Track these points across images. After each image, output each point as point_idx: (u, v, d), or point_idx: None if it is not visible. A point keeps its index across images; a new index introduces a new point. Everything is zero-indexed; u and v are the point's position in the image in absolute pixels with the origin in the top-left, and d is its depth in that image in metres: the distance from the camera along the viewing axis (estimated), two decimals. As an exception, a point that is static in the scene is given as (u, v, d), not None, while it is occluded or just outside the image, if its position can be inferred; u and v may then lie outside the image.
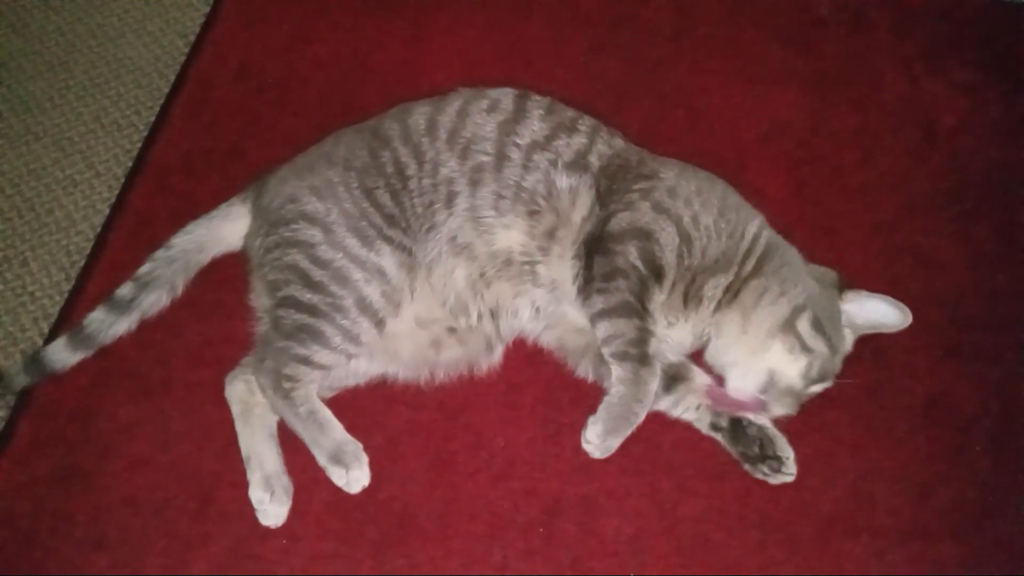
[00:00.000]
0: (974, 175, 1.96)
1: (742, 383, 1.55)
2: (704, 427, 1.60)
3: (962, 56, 2.15)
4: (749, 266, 1.59)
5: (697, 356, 1.66)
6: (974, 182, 1.95)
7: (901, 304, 1.55)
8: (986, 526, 1.55)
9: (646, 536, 1.53)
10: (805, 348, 1.52)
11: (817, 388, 1.56)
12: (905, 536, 1.53)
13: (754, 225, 1.61)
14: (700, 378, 1.61)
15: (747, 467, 1.56)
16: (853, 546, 1.52)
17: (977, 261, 1.84)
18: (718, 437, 1.59)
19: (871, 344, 1.61)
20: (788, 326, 1.53)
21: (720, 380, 1.60)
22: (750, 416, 1.57)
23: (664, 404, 1.61)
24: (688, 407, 1.60)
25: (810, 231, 1.83)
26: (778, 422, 1.58)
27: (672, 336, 1.61)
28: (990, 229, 1.89)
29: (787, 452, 1.55)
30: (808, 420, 1.59)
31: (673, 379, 1.60)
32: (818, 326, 1.53)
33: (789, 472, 1.55)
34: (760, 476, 1.55)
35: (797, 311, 1.54)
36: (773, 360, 1.54)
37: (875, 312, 1.57)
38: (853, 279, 1.64)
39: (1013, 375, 1.70)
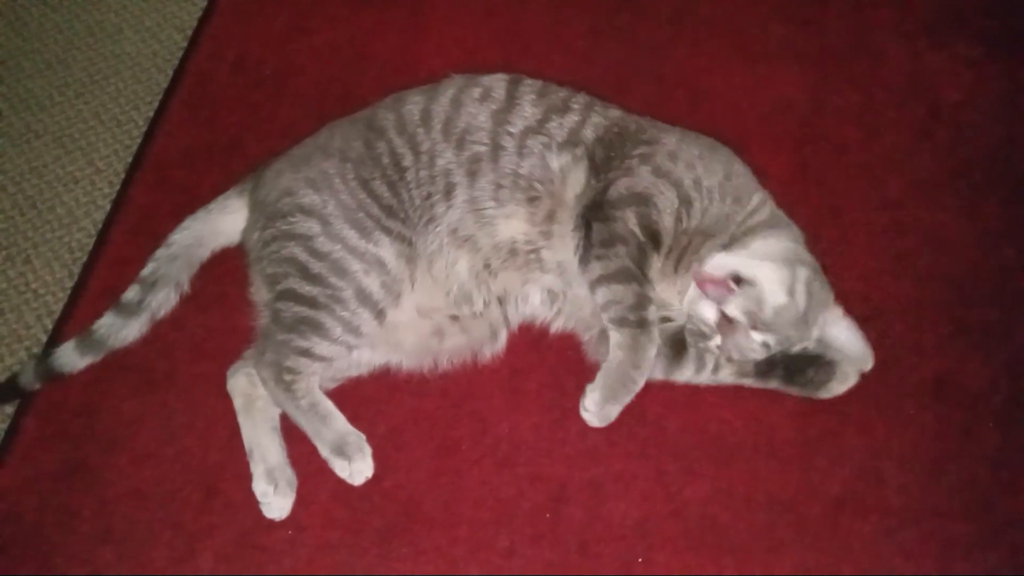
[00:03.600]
0: (980, 150, 1.94)
1: (726, 261, 1.51)
2: (752, 378, 1.57)
3: (965, 30, 2.12)
4: (750, 224, 1.56)
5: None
6: (980, 157, 1.93)
7: (868, 348, 1.54)
8: (997, 504, 1.54)
9: (653, 520, 1.52)
10: (791, 291, 1.49)
11: (759, 338, 1.49)
12: (915, 515, 1.52)
13: (761, 192, 1.60)
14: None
15: (809, 391, 1.55)
16: (862, 526, 1.51)
17: (984, 237, 1.82)
18: (773, 384, 1.56)
19: (878, 323, 1.59)
20: (789, 263, 1.51)
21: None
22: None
23: (688, 371, 1.58)
24: (719, 365, 1.57)
25: (814, 210, 1.81)
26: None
27: (672, 300, 1.59)
28: (997, 204, 1.86)
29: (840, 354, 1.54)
30: (815, 400, 1.58)
31: (680, 343, 1.58)
32: (810, 287, 1.50)
33: (847, 379, 1.54)
34: (824, 390, 1.54)
35: (803, 261, 1.53)
36: (763, 273, 1.49)
37: (843, 337, 1.54)
38: (859, 257, 1.62)
39: (1022, 351, 1.68)
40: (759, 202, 1.59)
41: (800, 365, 1.55)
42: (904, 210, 1.86)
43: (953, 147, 1.95)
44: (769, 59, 2.08)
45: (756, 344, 1.50)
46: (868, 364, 1.55)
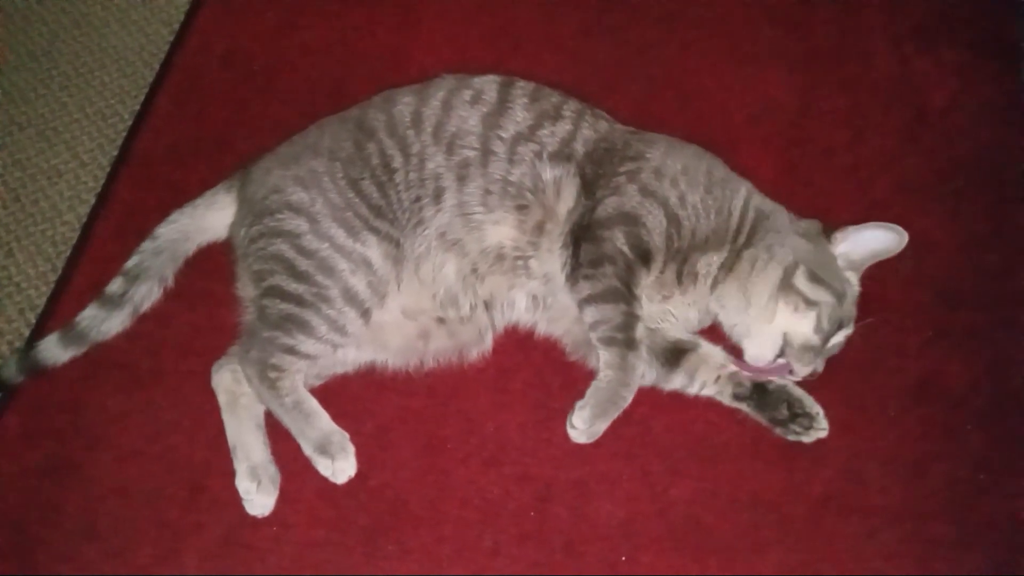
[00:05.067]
0: (965, 155, 1.95)
1: (759, 351, 1.55)
2: (727, 399, 1.60)
3: (952, 35, 2.13)
4: (741, 241, 1.59)
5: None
6: (965, 162, 1.94)
7: (893, 225, 1.55)
8: (978, 504, 1.55)
9: (638, 519, 1.53)
10: (809, 302, 1.52)
11: (839, 338, 1.55)
12: (897, 515, 1.54)
13: (740, 197, 1.60)
14: (708, 349, 1.61)
15: (779, 431, 1.57)
16: (845, 526, 1.52)
17: (968, 240, 1.83)
18: (743, 407, 1.59)
19: (861, 325, 1.60)
20: (785, 286, 1.54)
21: (738, 352, 1.60)
22: (772, 378, 1.58)
23: (678, 382, 1.60)
24: (706, 382, 1.60)
25: (801, 211, 1.80)
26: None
27: (673, 311, 1.62)
28: (981, 208, 1.88)
29: (815, 408, 1.56)
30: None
31: (677, 354, 1.60)
32: (815, 278, 1.53)
33: (821, 427, 1.55)
34: (793, 437, 1.56)
35: (789, 270, 1.55)
36: (782, 322, 1.54)
37: (869, 241, 1.57)
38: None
39: (1004, 354, 1.70)
40: (741, 206, 1.60)
41: (774, 401, 1.57)
42: (890, 213, 1.86)
43: (939, 151, 1.96)
44: (758, 61, 2.09)
45: (839, 340, 1.55)
46: (904, 242, 1.56)
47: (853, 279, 1.59)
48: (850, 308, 1.57)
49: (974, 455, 1.59)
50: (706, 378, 1.60)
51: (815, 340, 1.53)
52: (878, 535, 1.52)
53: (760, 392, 1.58)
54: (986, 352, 1.70)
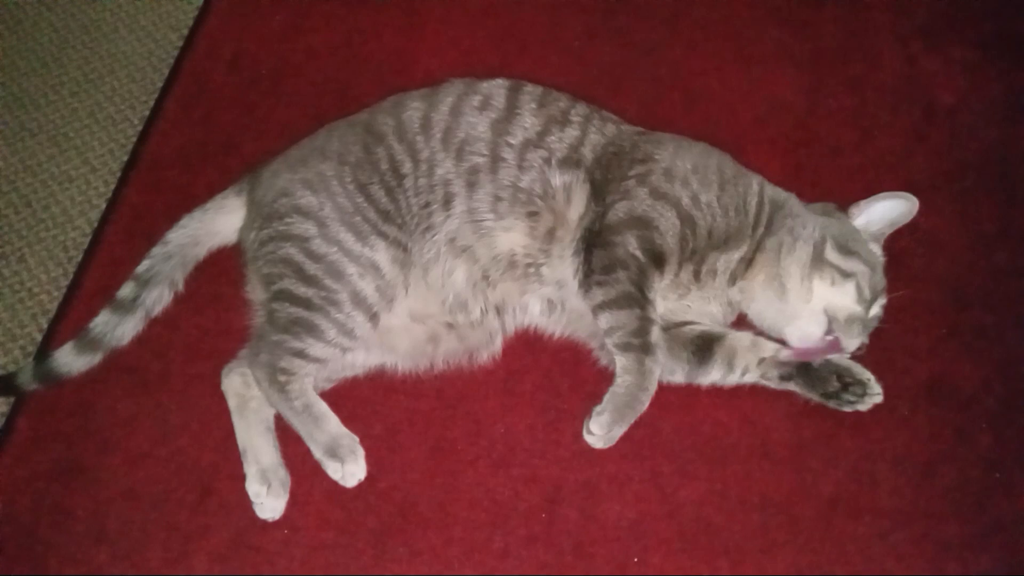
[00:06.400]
0: (974, 154, 1.95)
1: (805, 331, 1.55)
2: (774, 382, 1.59)
3: (960, 34, 2.13)
4: (760, 231, 1.59)
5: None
6: (974, 161, 1.94)
7: (903, 192, 1.60)
8: (989, 505, 1.54)
9: (647, 521, 1.52)
10: (844, 274, 1.53)
11: (876, 309, 1.56)
12: (908, 516, 1.53)
13: (754, 192, 1.60)
14: (737, 334, 1.60)
15: (833, 404, 1.57)
16: (856, 527, 1.52)
17: (977, 240, 1.83)
18: (792, 387, 1.58)
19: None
20: (818, 261, 1.55)
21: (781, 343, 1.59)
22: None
23: (716, 374, 1.59)
24: (747, 369, 1.58)
25: (809, 212, 1.82)
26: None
27: (691, 305, 1.61)
28: (990, 208, 1.87)
29: (865, 374, 1.56)
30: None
31: (708, 343, 1.59)
32: (845, 249, 1.55)
33: (876, 392, 1.56)
34: (849, 407, 1.56)
35: (819, 246, 1.56)
36: (821, 299, 1.54)
37: (884, 211, 1.60)
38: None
39: (1014, 354, 1.69)
40: (756, 201, 1.59)
41: (823, 376, 1.57)
42: (898, 212, 1.86)
43: (947, 150, 1.95)
44: (764, 61, 2.09)
45: (877, 312, 1.57)
46: (916, 209, 1.60)
47: (876, 249, 1.61)
48: (881, 277, 1.58)
49: (985, 455, 1.58)
50: (747, 362, 1.58)
51: (858, 310, 1.53)
52: (889, 536, 1.51)
53: (806, 369, 1.57)
54: (996, 352, 1.69)
